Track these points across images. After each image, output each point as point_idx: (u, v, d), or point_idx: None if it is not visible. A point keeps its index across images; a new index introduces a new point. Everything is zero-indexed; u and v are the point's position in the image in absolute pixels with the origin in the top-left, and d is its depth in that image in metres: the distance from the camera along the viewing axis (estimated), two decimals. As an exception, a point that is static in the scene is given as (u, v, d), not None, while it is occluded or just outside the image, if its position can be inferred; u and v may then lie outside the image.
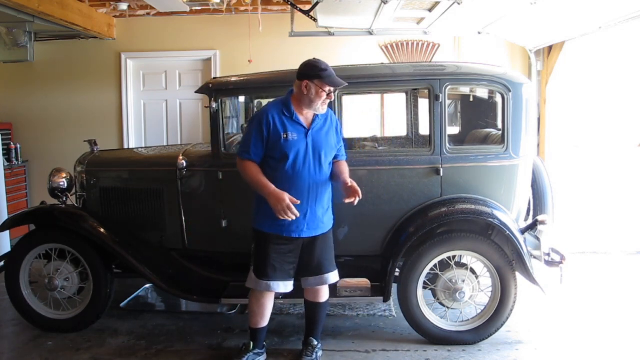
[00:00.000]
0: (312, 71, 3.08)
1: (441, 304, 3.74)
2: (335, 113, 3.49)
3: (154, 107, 7.14)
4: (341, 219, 3.53)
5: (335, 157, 3.30)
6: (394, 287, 3.64)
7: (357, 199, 3.08)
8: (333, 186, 3.28)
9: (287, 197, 3.00)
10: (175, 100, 7.12)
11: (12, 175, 6.43)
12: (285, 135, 3.10)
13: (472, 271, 3.67)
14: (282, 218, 3.02)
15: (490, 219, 3.53)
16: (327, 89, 3.08)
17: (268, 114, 3.14)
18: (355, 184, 3.11)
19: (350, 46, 6.79)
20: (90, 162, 4.26)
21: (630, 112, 6.31)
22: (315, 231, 3.20)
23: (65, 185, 4.13)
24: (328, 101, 3.13)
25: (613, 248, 5.85)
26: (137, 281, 4.72)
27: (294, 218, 3.02)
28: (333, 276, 3.30)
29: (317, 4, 4.77)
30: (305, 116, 3.18)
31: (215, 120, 3.77)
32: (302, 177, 3.11)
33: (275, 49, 6.65)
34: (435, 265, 3.61)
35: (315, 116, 3.18)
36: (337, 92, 3.62)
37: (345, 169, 3.29)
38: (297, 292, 3.33)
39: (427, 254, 3.54)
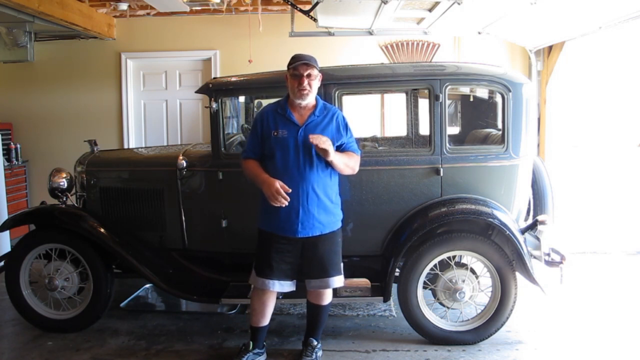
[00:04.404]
0: (287, 65, 3.21)
1: (441, 304, 3.74)
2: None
3: (154, 107, 7.15)
4: (341, 218, 3.53)
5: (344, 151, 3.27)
6: (394, 287, 3.64)
7: (315, 142, 2.98)
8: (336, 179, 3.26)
9: (277, 183, 3.03)
10: (175, 100, 7.12)
11: (12, 175, 6.43)
12: (275, 133, 3.16)
13: (472, 271, 3.67)
14: (275, 205, 3.04)
15: (490, 219, 3.53)
16: (293, 72, 3.13)
17: (263, 113, 3.27)
18: (315, 139, 2.98)
19: (351, 46, 6.79)
20: (90, 162, 4.26)
21: (630, 112, 6.31)
22: (312, 231, 3.17)
23: (65, 185, 4.13)
24: (305, 86, 3.10)
25: (613, 248, 5.84)
26: (137, 281, 4.73)
27: (286, 204, 3.03)
28: (337, 280, 3.28)
29: (317, 4, 4.77)
30: (299, 113, 3.20)
31: (215, 120, 3.78)
32: (292, 174, 3.12)
33: (275, 49, 6.64)
34: (435, 265, 3.61)
35: (312, 113, 3.19)
36: (337, 91, 3.64)
37: (345, 153, 3.22)
38: (298, 292, 3.33)
39: (427, 254, 3.54)
